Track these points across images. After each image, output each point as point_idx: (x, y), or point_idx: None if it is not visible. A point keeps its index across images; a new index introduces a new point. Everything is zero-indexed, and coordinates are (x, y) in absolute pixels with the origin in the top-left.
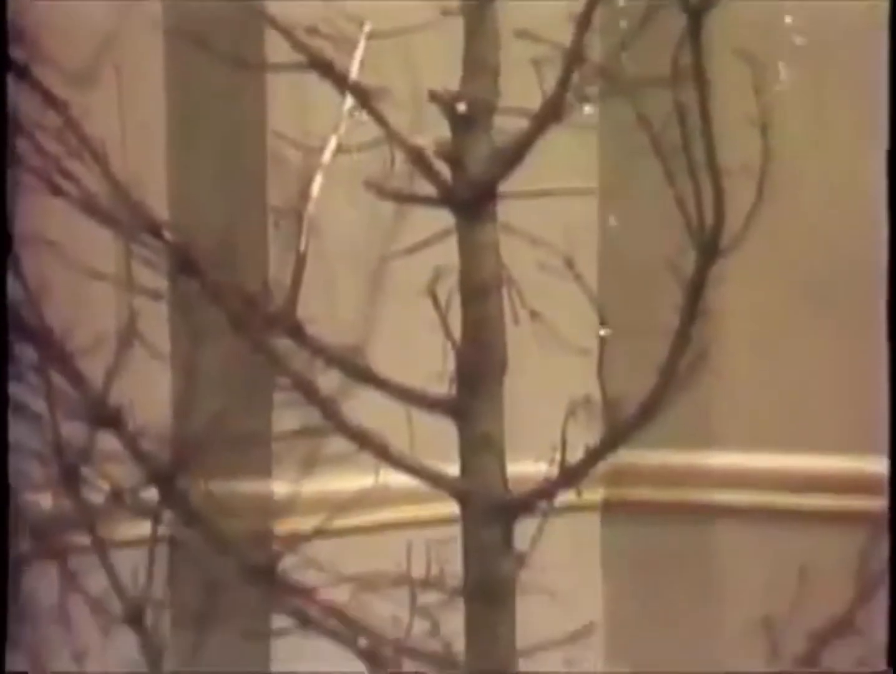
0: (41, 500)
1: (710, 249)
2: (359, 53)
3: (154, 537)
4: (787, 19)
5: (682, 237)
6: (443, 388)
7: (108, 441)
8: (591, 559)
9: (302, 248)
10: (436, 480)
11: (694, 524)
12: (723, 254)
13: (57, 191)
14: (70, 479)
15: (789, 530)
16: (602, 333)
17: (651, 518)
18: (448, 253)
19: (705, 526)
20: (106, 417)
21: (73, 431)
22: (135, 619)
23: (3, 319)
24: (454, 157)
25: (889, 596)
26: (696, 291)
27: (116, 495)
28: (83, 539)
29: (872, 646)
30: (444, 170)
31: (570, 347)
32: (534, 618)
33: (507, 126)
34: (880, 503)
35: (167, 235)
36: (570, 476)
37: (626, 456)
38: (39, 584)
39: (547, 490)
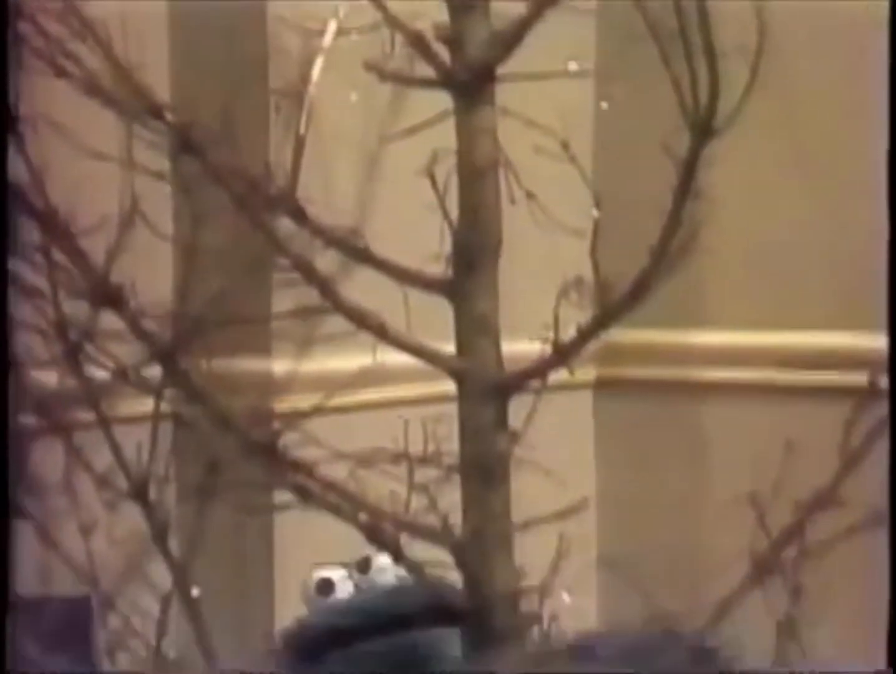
0: (46, 376)
1: (703, 129)
2: None
3: (157, 414)
4: None
5: (676, 120)
6: (439, 269)
7: (110, 320)
8: (585, 437)
9: (302, 130)
10: (432, 358)
11: (684, 401)
12: (716, 134)
13: (60, 72)
14: (73, 356)
15: (776, 406)
16: (596, 213)
17: (643, 396)
18: (446, 135)
19: (696, 403)
20: (108, 295)
21: (75, 309)
22: (140, 494)
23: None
24: (453, 40)
25: (889, 595)
26: (688, 171)
27: (119, 373)
28: (87, 416)
29: (857, 517)
30: (442, 53)
31: (564, 227)
32: (528, 494)
33: (506, 9)
34: (864, 378)
35: (169, 116)
36: (563, 355)
37: (619, 335)
38: (45, 459)
39: (540, 369)
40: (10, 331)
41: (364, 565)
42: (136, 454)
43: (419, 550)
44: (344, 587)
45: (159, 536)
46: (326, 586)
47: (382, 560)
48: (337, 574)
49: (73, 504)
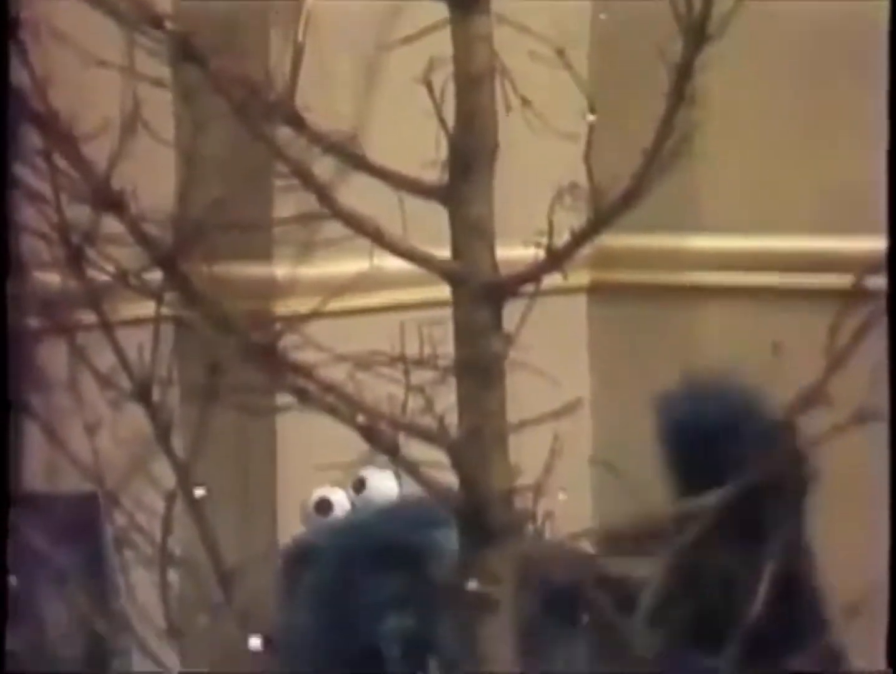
0: (49, 278)
1: (697, 34)
2: None
3: (158, 317)
4: None
5: (671, 26)
6: (435, 175)
7: (112, 225)
8: (579, 339)
9: (300, 38)
10: (428, 263)
11: (676, 304)
12: (710, 40)
13: None
14: (76, 260)
15: (765, 308)
16: (590, 119)
17: (635, 299)
18: (443, 43)
19: (687, 306)
20: (109, 200)
21: (78, 213)
22: (143, 395)
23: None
24: None
25: (889, 595)
26: (682, 76)
27: (120, 276)
28: (90, 317)
29: (844, 414)
30: None
31: (558, 133)
32: (523, 395)
33: None
34: (850, 281)
35: (169, 25)
36: (557, 259)
37: (612, 239)
38: (51, 360)
39: (534, 273)
40: (13, 235)
41: (359, 485)
42: (138, 356)
43: (416, 450)
44: (341, 506)
45: (163, 436)
46: (325, 506)
47: (377, 480)
48: (335, 494)
49: (78, 404)
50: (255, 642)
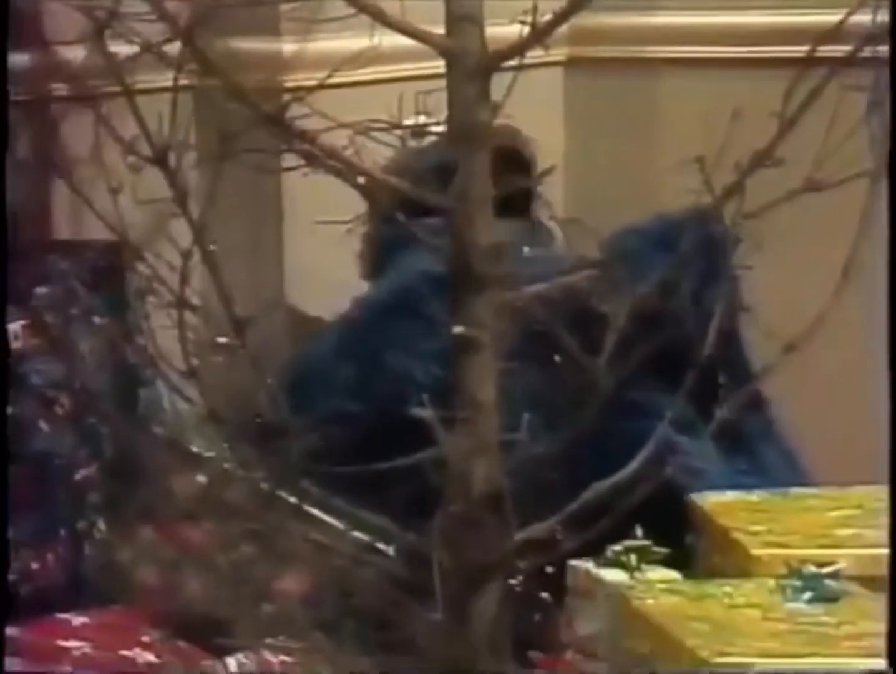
0: (75, 52)
1: None
2: None
3: (176, 87)
4: None
5: None
6: None
7: (131, 3)
8: (556, 108)
9: None
10: (424, 38)
11: (644, 76)
12: None
13: None
14: (99, 34)
15: (725, 78)
16: None
17: (607, 71)
18: None
19: (654, 77)
20: None
21: None
22: (161, 160)
23: None
24: None
25: (889, 595)
26: None
27: (143, 48)
28: (113, 88)
29: (793, 177)
30: None
31: None
32: None
33: None
34: (805, 49)
35: None
36: (539, 36)
37: (588, 18)
38: (77, 127)
39: (519, 48)
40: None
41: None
42: (158, 123)
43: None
44: None
45: (180, 197)
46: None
47: None
48: None
49: (102, 169)
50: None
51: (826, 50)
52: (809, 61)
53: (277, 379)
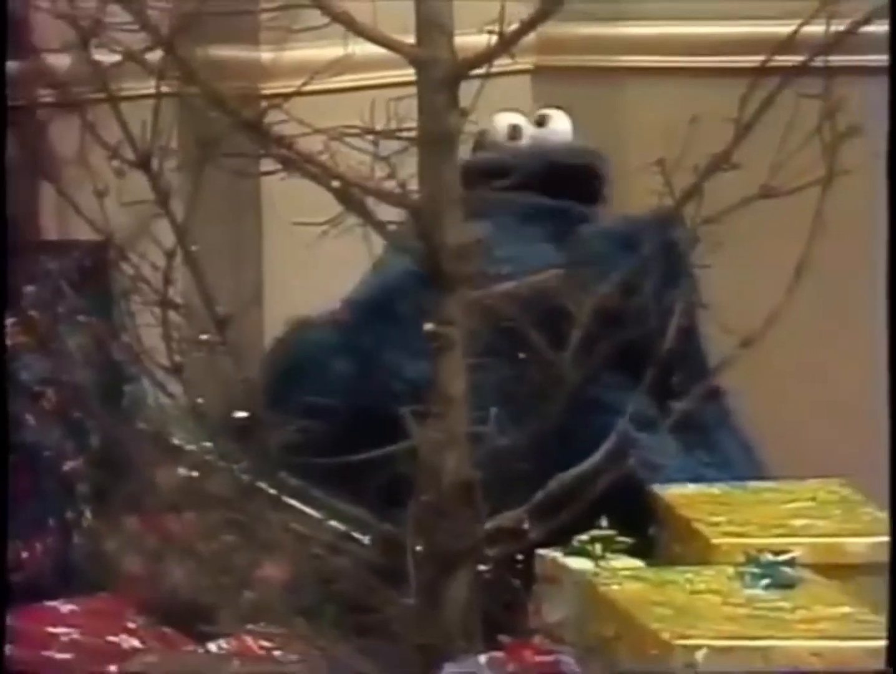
0: (61, 60)
1: None
2: None
3: (159, 94)
4: None
5: None
6: None
7: (115, 13)
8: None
9: None
10: (395, 47)
11: (609, 84)
12: None
13: None
14: (84, 43)
15: (685, 86)
16: None
17: (573, 80)
18: None
19: (618, 85)
20: None
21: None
22: (145, 164)
23: None
24: None
25: (889, 594)
26: None
27: (126, 57)
28: (98, 95)
29: (752, 189)
30: None
31: None
32: None
33: None
34: (760, 59)
35: None
36: (506, 44)
37: (554, 28)
38: (63, 134)
39: (487, 56)
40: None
41: (542, 120)
42: (141, 129)
43: (382, 211)
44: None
45: (163, 200)
46: (516, 132)
47: (557, 119)
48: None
49: (88, 172)
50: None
51: (781, 60)
52: (765, 70)
53: (266, 375)
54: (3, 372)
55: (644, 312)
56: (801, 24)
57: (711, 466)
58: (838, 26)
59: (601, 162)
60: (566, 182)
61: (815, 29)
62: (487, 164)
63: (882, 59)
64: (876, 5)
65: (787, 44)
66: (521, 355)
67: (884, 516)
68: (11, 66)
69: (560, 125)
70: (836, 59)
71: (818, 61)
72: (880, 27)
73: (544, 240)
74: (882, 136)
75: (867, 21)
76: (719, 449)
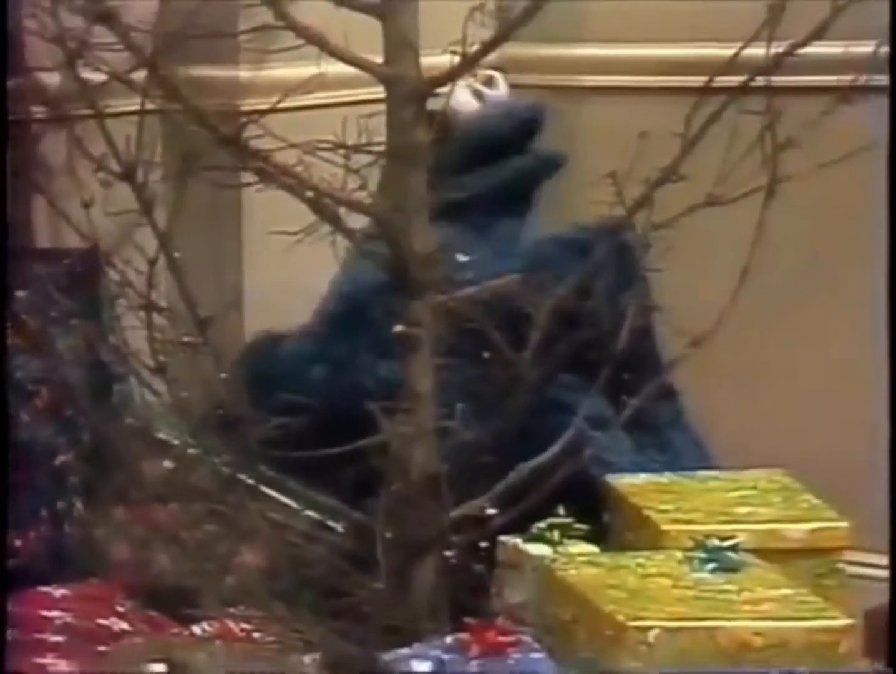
0: (51, 78)
1: None
2: None
3: (143, 111)
4: None
5: None
6: None
7: (101, 34)
8: None
9: None
10: (366, 67)
11: (567, 102)
12: None
13: None
14: (72, 63)
15: (636, 103)
16: None
17: (533, 97)
18: None
19: (575, 103)
20: (102, 13)
21: (73, 23)
22: (129, 176)
23: None
24: None
25: (889, 594)
26: None
27: (112, 75)
28: (85, 112)
29: (697, 198)
30: None
31: None
32: None
33: None
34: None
35: None
36: (469, 64)
37: (514, 48)
38: (52, 148)
39: (451, 75)
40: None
41: (489, 81)
42: (126, 143)
43: (353, 220)
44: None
45: (147, 210)
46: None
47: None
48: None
49: (76, 184)
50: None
51: (725, 79)
52: (710, 89)
53: (248, 378)
54: (3, 373)
55: (598, 314)
56: (742, 47)
57: (663, 463)
58: (777, 49)
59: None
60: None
61: (757, 51)
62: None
63: (817, 78)
64: (809, 31)
65: (730, 65)
66: (486, 355)
67: (820, 503)
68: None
69: (502, 85)
70: (776, 79)
71: (759, 80)
72: (816, 49)
73: (502, 244)
74: (824, 149)
75: (804, 44)
76: (671, 447)
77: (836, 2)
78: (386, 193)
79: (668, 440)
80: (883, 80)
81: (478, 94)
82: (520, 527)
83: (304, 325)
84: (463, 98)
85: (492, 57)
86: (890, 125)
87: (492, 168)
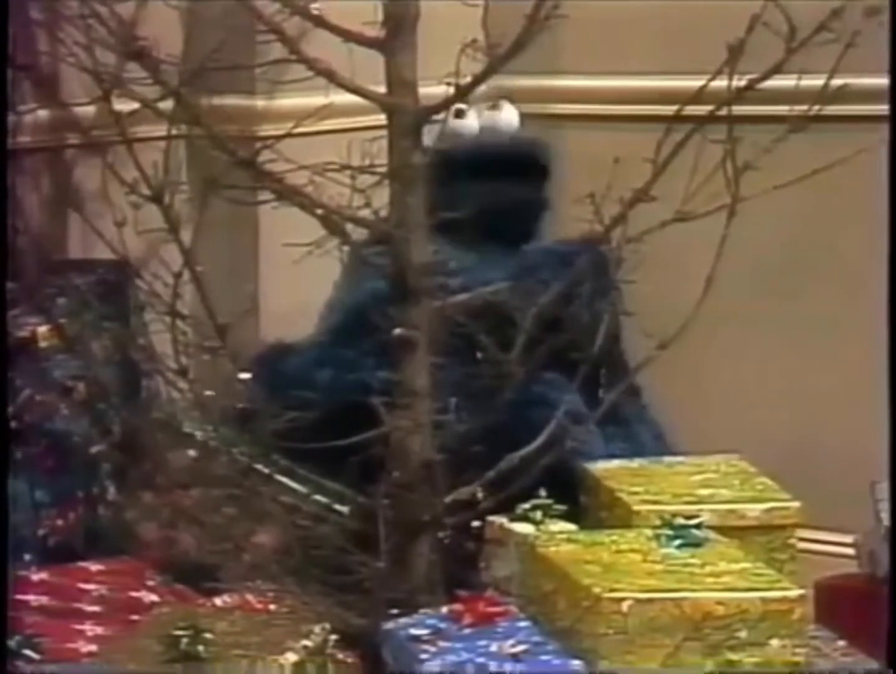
0: (86, 110)
1: None
2: None
3: (170, 137)
4: None
5: None
6: (375, 31)
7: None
8: None
9: None
10: (369, 96)
11: (547, 128)
12: None
13: None
14: (106, 96)
15: (610, 130)
16: None
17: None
18: None
19: (555, 129)
20: (135, 50)
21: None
22: (157, 198)
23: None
24: None
25: (889, 596)
26: None
27: (143, 105)
28: (117, 139)
29: (666, 216)
30: None
31: (464, 2)
32: None
33: None
34: (672, 109)
35: None
36: (462, 94)
37: (504, 80)
38: (86, 174)
39: (446, 104)
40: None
41: (496, 105)
42: (154, 168)
43: (357, 235)
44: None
45: (173, 229)
46: (459, 113)
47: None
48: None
49: (109, 206)
50: (244, 375)
51: (691, 109)
52: (678, 118)
53: (262, 379)
54: (4, 373)
55: (578, 319)
56: (708, 81)
57: (626, 452)
58: (739, 82)
59: (543, 149)
60: (516, 166)
61: (720, 84)
62: (456, 152)
63: (773, 108)
64: (770, 66)
65: (697, 96)
66: (475, 355)
67: (773, 484)
68: (43, 114)
69: (510, 113)
70: (737, 109)
71: (722, 111)
72: (772, 82)
73: (493, 255)
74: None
75: (762, 80)
76: (634, 439)
77: (790, 44)
78: (393, 210)
79: (632, 436)
80: (834, 109)
81: (485, 119)
82: (506, 508)
83: (311, 334)
84: (467, 121)
85: (482, 88)
86: (890, 140)
87: (484, 188)
